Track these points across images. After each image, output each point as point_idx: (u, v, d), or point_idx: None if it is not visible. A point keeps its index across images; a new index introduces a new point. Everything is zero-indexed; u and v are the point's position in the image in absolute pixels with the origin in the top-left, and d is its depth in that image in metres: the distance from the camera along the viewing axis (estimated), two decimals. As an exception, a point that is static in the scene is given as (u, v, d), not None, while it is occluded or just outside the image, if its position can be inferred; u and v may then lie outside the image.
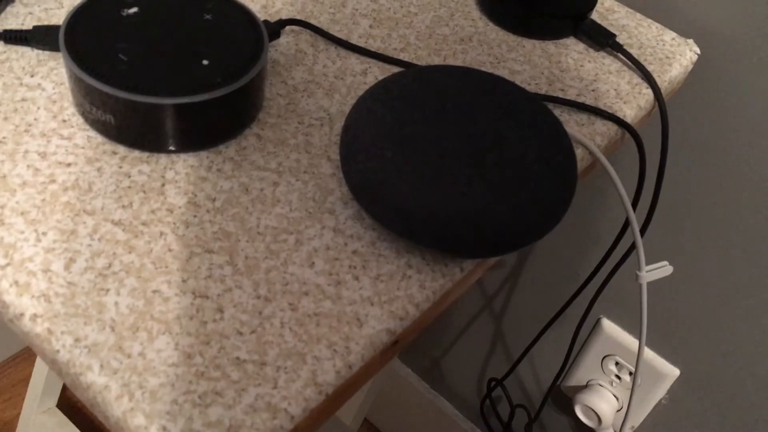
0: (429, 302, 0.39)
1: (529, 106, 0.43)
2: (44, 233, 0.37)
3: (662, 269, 0.54)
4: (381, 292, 0.38)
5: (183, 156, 0.43)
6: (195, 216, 0.40)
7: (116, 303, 0.35)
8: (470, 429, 1.08)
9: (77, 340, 0.34)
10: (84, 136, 0.42)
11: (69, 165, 0.41)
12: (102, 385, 0.33)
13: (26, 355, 1.22)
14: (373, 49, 0.53)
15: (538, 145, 0.41)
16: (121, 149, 0.42)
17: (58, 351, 0.34)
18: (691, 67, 0.59)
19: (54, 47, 0.46)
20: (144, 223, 0.39)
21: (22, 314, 0.34)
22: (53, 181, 0.40)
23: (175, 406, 0.32)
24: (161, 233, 0.39)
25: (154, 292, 0.36)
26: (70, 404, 1.14)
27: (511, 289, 0.91)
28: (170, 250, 0.38)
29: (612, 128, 0.51)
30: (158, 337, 0.34)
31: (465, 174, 0.39)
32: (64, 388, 1.05)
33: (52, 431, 1.00)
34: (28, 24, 0.48)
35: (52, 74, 0.45)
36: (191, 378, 0.33)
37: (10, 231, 0.37)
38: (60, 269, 0.36)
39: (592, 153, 0.49)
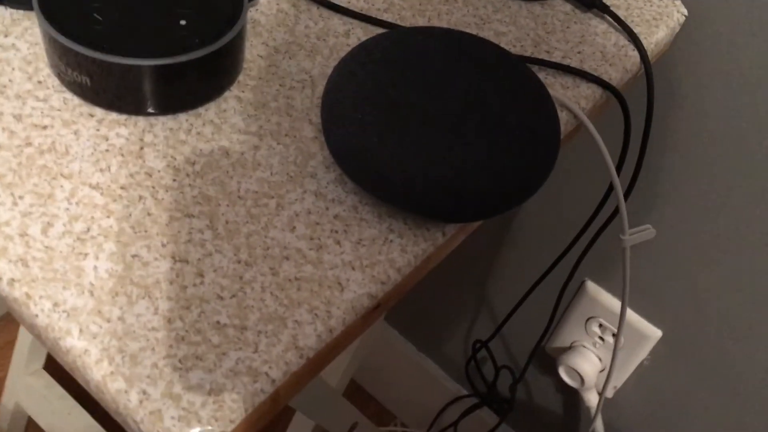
0: (410, 266, 0.39)
1: (512, 69, 0.43)
2: (21, 197, 0.37)
3: (645, 233, 0.54)
4: (362, 256, 0.38)
5: (162, 119, 0.42)
6: (174, 180, 0.39)
7: (95, 267, 0.35)
8: (456, 390, 1.10)
9: (56, 304, 0.34)
10: (60, 98, 0.42)
11: (45, 128, 0.40)
12: (81, 349, 0.33)
13: (12, 318, 1.22)
14: (356, 10, 0.52)
15: (520, 110, 0.41)
16: (99, 112, 0.42)
17: (36, 315, 0.33)
18: (678, 29, 0.59)
19: (28, 6, 0.45)
20: (122, 187, 0.38)
21: (-1, 279, 0.34)
22: (29, 144, 0.39)
23: (155, 370, 0.32)
24: (140, 197, 0.38)
25: (134, 256, 0.36)
26: (57, 366, 1.14)
27: (496, 252, 0.92)
28: (149, 214, 0.38)
29: (597, 91, 0.50)
30: (138, 302, 0.34)
31: (446, 138, 0.38)
32: (51, 351, 1.05)
33: (39, 393, 1.00)
34: (1, -18, 0.47)
35: (26, 34, 0.44)
36: (171, 342, 0.33)
37: (-14, 195, 0.37)
38: (37, 233, 0.36)
39: (577, 116, 0.48)
